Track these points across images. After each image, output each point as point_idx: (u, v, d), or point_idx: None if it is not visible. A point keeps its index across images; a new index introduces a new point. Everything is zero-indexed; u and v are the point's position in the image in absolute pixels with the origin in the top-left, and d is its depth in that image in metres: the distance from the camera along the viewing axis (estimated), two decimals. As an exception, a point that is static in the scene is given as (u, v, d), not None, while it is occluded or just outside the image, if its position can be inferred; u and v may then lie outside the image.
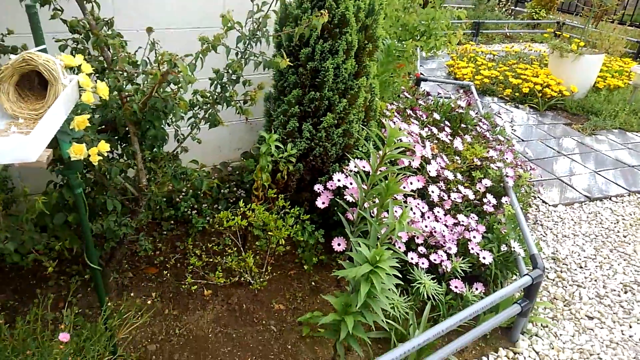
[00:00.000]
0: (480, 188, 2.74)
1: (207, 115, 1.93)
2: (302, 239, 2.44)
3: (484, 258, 2.38)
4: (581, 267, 2.77)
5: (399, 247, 2.43)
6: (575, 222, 3.21)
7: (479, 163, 2.88)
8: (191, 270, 2.45)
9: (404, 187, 2.50)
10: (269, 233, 2.33)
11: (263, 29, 1.81)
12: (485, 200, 2.65)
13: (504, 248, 2.42)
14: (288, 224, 2.34)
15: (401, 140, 2.34)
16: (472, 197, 2.60)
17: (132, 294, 2.33)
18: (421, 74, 6.76)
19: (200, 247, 2.64)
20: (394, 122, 2.75)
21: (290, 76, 2.45)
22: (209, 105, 1.94)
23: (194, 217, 2.78)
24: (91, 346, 1.82)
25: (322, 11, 1.84)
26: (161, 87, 1.60)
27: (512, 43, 9.03)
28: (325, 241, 2.59)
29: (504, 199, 2.68)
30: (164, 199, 2.91)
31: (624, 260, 2.85)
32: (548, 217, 3.27)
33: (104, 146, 1.53)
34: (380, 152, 2.12)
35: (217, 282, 2.31)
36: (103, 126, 1.99)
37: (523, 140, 4.52)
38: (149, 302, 2.31)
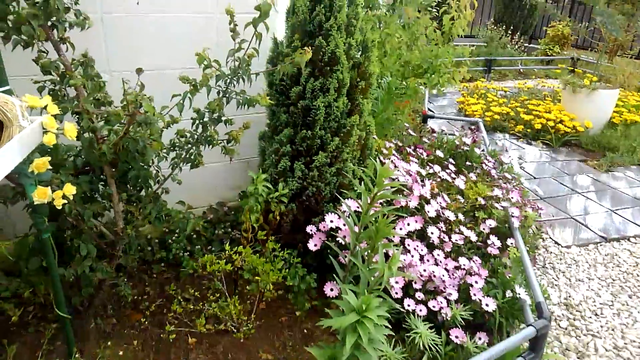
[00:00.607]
0: (484, 229, 2.60)
1: (188, 156, 1.87)
2: (290, 283, 2.32)
3: (487, 305, 2.21)
4: (597, 315, 2.56)
5: (395, 293, 2.29)
6: (590, 265, 3.01)
7: (483, 202, 2.75)
8: (176, 317, 2.34)
9: (400, 229, 2.38)
10: (256, 277, 2.22)
11: (244, 66, 1.77)
12: (489, 242, 2.50)
13: (509, 294, 2.25)
14: (277, 268, 2.23)
15: (393, 180, 2.24)
16: (474, 238, 2.45)
17: (112, 342, 2.23)
18: (430, 109, 6.72)
19: (189, 291, 2.53)
20: (391, 161, 2.65)
21: (281, 115, 2.40)
22: (190, 145, 1.88)
23: (185, 259, 2.69)
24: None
25: (305, 48, 1.79)
26: (133, 128, 1.55)
27: (525, 79, 8.95)
28: (319, 285, 2.46)
29: (509, 241, 2.52)
30: (156, 241, 2.84)
31: (645, 307, 2.64)
32: (560, 259, 3.08)
33: (69, 189, 1.47)
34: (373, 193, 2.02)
35: (199, 329, 2.18)
36: (87, 167, 1.95)
37: (535, 178, 4.35)
38: (129, 351, 2.19)
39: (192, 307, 2.33)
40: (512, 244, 2.50)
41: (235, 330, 2.29)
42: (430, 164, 2.96)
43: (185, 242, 2.86)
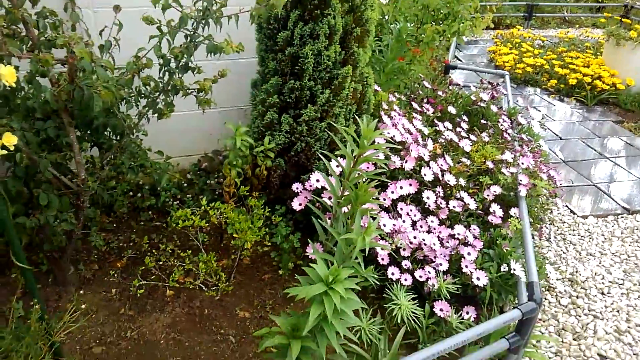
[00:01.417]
0: (488, 196, 2.39)
1: (154, 105, 1.73)
2: (268, 243, 2.21)
3: (478, 279, 2.06)
4: (603, 294, 2.37)
5: (382, 259, 2.16)
6: (605, 239, 2.79)
7: (491, 166, 2.52)
8: (158, 268, 2.30)
9: (392, 192, 2.20)
10: (234, 235, 2.12)
11: (212, 8, 1.56)
12: (490, 210, 2.31)
13: (504, 268, 2.09)
14: (256, 226, 2.12)
15: (386, 141, 2.05)
16: (473, 206, 2.26)
17: (91, 289, 2.21)
18: (457, 59, 6.29)
19: (174, 241, 2.48)
20: (391, 117, 2.44)
21: (270, 62, 2.20)
22: (158, 94, 1.73)
23: (173, 208, 2.61)
24: (21, 348, 1.70)
25: (282, -14, 1.57)
26: (84, 75, 1.41)
27: (569, 28, 8.25)
28: (304, 245, 2.35)
29: (512, 210, 2.32)
30: (147, 187, 2.77)
31: (660, 288, 2.43)
32: (574, 230, 2.86)
33: (9, 138, 1.37)
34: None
35: (171, 284, 2.12)
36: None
37: (560, 139, 4.03)
38: (106, 299, 2.17)
39: (172, 260, 2.26)
40: (515, 214, 2.30)
41: (213, 286, 2.23)
42: (439, 122, 2.72)
43: (175, 191, 2.79)
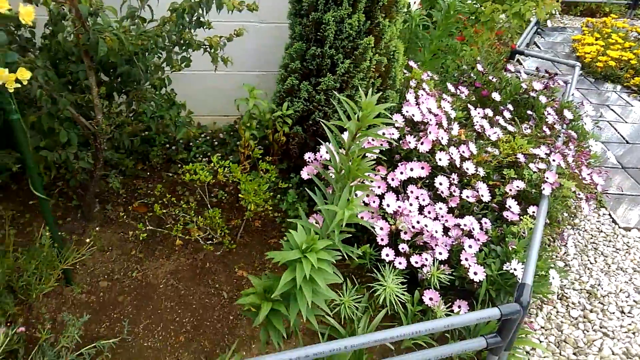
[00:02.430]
0: (510, 190, 2.26)
1: (167, 58, 1.80)
2: (270, 207, 2.25)
3: (475, 274, 1.98)
4: (622, 312, 2.18)
5: (381, 240, 2.13)
6: (645, 255, 2.54)
7: (523, 160, 2.37)
8: (173, 218, 2.43)
9: (401, 173, 2.15)
10: (240, 195, 2.19)
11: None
12: (506, 205, 2.18)
13: (507, 267, 1.98)
14: (262, 190, 2.17)
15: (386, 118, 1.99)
16: (487, 198, 2.15)
17: (111, 228, 2.39)
18: (536, 45, 5.85)
19: (195, 196, 2.59)
20: (416, 96, 2.35)
21: (296, 26, 2.19)
22: (172, 47, 1.80)
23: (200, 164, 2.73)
24: (31, 267, 1.90)
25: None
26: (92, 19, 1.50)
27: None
28: (309, 214, 2.37)
29: (531, 209, 2.18)
30: (181, 142, 2.91)
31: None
32: (610, 241, 2.63)
33: (23, 73, 1.49)
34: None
35: (179, 234, 2.23)
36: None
37: (627, 143, 3.66)
38: (122, 239, 2.34)
39: (190, 213, 2.36)
40: (534, 212, 2.16)
41: (219, 243, 2.32)
42: (473, 107, 2.58)
43: (207, 148, 2.90)
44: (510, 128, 2.63)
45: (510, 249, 2.02)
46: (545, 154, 2.38)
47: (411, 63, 2.59)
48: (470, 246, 2.02)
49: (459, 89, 2.64)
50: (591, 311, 2.18)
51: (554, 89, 3.12)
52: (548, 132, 2.59)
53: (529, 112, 2.88)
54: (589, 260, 2.48)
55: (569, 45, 5.76)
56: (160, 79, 2.22)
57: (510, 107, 2.85)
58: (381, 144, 2.11)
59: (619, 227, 2.73)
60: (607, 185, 3.11)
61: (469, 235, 2.09)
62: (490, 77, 3.13)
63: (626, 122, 3.99)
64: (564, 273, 2.34)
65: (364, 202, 2.17)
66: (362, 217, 2.17)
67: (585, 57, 5.04)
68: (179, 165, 2.82)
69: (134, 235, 2.35)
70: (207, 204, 2.45)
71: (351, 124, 1.77)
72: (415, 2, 3.11)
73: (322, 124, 2.33)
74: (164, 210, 2.39)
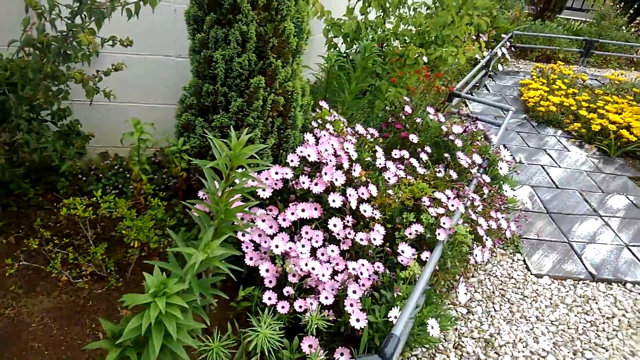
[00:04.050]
0: (410, 234, 2.23)
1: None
2: (154, 246, 2.18)
3: (357, 320, 1.91)
4: (516, 364, 2.13)
5: (270, 282, 2.06)
6: (551, 304, 2.50)
7: (427, 203, 2.34)
8: (59, 253, 2.32)
9: (292, 214, 2.10)
10: (123, 232, 2.11)
11: None
12: (398, 250, 2.14)
13: (391, 313, 1.92)
14: (146, 226, 2.09)
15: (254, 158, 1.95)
16: (378, 242, 2.11)
17: (-6, 260, 2.27)
18: (486, 88, 5.97)
19: (97, 229, 2.50)
20: (316, 136, 2.33)
21: (194, 62, 2.17)
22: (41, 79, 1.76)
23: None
24: None
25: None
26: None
27: (632, 70, 7.63)
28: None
29: (424, 254, 2.14)
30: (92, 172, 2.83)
31: (591, 371, 2.14)
32: (519, 288, 2.59)
33: None
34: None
35: (58, 269, 2.13)
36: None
37: (557, 187, 3.69)
38: (6, 273, 2.22)
39: (76, 249, 2.26)
40: (427, 258, 2.12)
41: (106, 280, 2.23)
42: (394, 148, 2.57)
43: (116, 179, 2.83)
44: (421, 171, 2.63)
45: (395, 295, 1.96)
46: (447, 198, 2.36)
47: (322, 103, 2.58)
48: (354, 291, 1.96)
49: (368, 130, 2.63)
50: (483, 362, 2.12)
51: (477, 133, 3.14)
52: (455, 176, 2.59)
53: (445, 154, 2.89)
54: (493, 307, 2.44)
55: (518, 89, 5.90)
56: (61, 110, 2.17)
57: (428, 149, 2.86)
58: (268, 185, 2.06)
59: (531, 274, 2.70)
60: (529, 230, 3.11)
61: (356, 279, 2.03)
62: (418, 119, 3.15)
63: (559, 167, 4.04)
64: (456, 322, 2.29)
65: (252, 241, 2.12)
66: (250, 258, 2.11)
67: (528, 102, 5.15)
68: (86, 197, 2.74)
69: (19, 270, 2.24)
70: (90, 239, 2.35)
71: (221, 163, 1.73)
72: (340, 42, 3.15)
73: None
74: (50, 245, 2.29)
